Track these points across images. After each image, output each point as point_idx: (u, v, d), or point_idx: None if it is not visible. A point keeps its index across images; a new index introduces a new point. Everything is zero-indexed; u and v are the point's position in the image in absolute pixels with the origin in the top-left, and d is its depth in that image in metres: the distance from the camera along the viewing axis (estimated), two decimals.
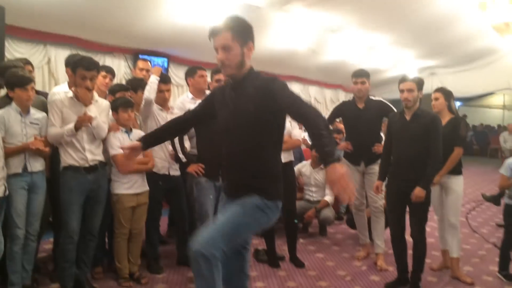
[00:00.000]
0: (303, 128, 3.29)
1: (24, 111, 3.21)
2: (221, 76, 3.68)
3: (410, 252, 3.68)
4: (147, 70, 4.79)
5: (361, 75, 4.32)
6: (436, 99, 4.04)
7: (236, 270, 2.33)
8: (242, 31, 2.13)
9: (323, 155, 1.88)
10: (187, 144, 3.94)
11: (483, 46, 11.66)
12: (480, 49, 11.93)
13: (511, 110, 17.13)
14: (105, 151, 3.53)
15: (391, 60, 11.70)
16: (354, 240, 5.03)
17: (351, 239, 5.16)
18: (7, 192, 3.04)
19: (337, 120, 5.26)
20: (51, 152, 3.36)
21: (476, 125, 18.44)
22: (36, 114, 3.31)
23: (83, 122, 3.21)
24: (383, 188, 3.89)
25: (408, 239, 3.69)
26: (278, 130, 2.23)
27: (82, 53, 5.68)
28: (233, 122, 2.18)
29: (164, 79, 4.01)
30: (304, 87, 12.12)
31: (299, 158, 5.78)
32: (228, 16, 2.16)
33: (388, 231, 4.01)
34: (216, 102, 2.32)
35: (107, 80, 4.16)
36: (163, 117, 3.95)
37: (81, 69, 3.25)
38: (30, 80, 3.23)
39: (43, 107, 3.47)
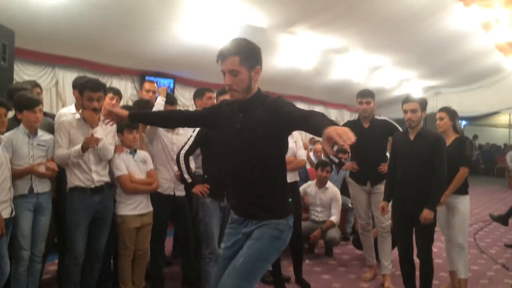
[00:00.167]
0: (308, 148, 3.30)
1: (32, 133, 3.25)
2: (226, 97, 3.72)
3: (418, 273, 3.64)
4: (154, 92, 4.84)
5: (366, 95, 4.34)
6: (441, 118, 4.04)
7: None
8: (250, 55, 2.12)
9: (318, 126, 1.76)
10: (192, 164, 3.95)
11: (488, 65, 11.71)
12: (484, 69, 11.98)
13: None
14: (111, 172, 3.55)
15: (395, 80, 11.76)
16: (361, 261, 4.98)
17: (358, 260, 5.11)
18: (13, 213, 3.05)
19: None
20: (58, 174, 3.38)
21: (483, 144, 18.35)
22: (43, 135, 3.34)
23: (90, 144, 3.24)
24: (389, 208, 3.87)
25: (416, 260, 3.65)
26: (282, 148, 2.24)
27: (90, 75, 5.77)
28: (239, 142, 2.16)
29: (171, 100, 4.07)
30: (309, 107, 12.15)
31: (305, 178, 5.76)
32: (236, 39, 2.14)
33: (395, 251, 3.97)
34: (221, 118, 2.30)
35: (114, 101, 4.20)
36: (168, 138, 3.98)
37: (87, 91, 3.31)
38: (39, 102, 3.28)
39: (50, 129, 3.51)
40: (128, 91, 7.51)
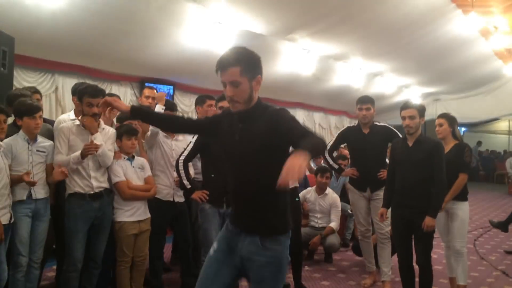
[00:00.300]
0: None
1: (31, 139, 3.25)
2: (225, 103, 3.70)
3: (417, 279, 3.63)
4: (153, 98, 4.85)
5: (366, 101, 4.35)
6: (440, 125, 4.04)
7: None
8: (250, 65, 2.05)
9: (300, 145, 1.79)
10: (191, 170, 3.95)
11: (487, 72, 11.75)
12: (484, 75, 12.02)
13: None
14: (110, 178, 3.55)
15: (395, 87, 11.79)
16: (360, 267, 4.96)
17: (357, 266, 5.09)
18: (12, 219, 3.05)
19: (342, 146, 5.27)
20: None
21: (482, 150, 18.36)
22: (43, 142, 3.35)
23: (89, 150, 3.24)
24: (388, 215, 3.86)
25: (416, 266, 3.64)
26: (282, 160, 2.13)
27: (89, 81, 5.78)
28: (238, 154, 2.11)
29: (171, 106, 4.08)
30: (309, 114, 12.19)
31: (304, 184, 5.76)
32: (236, 48, 2.08)
33: (395, 258, 3.96)
34: (220, 128, 2.24)
35: None
36: (168, 145, 3.99)
37: (87, 97, 3.31)
38: (39, 108, 3.29)
39: (49, 135, 3.52)
40: (128, 97, 7.53)
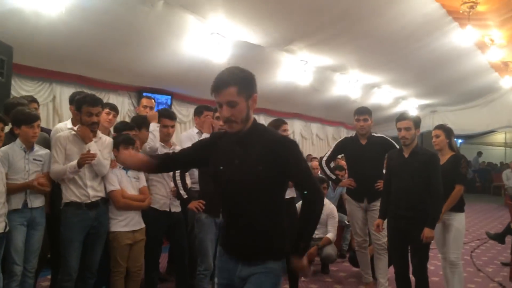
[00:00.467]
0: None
1: (28, 148, 3.26)
2: None
3: None
4: (151, 108, 4.87)
5: (364, 112, 4.37)
6: (437, 136, 4.06)
7: None
8: (246, 84, 2.02)
9: (297, 247, 2.05)
10: (188, 180, 3.95)
11: (484, 84, 11.81)
12: (480, 88, 12.08)
13: None
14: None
15: (392, 98, 11.83)
16: (357, 278, 4.94)
17: (354, 277, 5.07)
18: (7, 228, 3.04)
19: (339, 156, 5.28)
20: (52, 189, 3.37)
21: (479, 162, 18.44)
22: (39, 150, 3.34)
23: (86, 160, 3.23)
24: (385, 226, 3.86)
25: (412, 277, 3.63)
26: (283, 185, 2.14)
27: (87, 90, 5.80)
28: (239, 179, 2.03)
29: (170, 115, 4.10)
30: (306, 124, 12.21)
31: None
32: (229, 69, 2.03)
33: (391, 269, 3.95)
34: (215, 153, 2.15)
35: (111, 116, 4.22)
36: None
37: (86, 106, 3.31)
38: (37, 117, 3.30)
39: (46, 144, 3.51)
40: (125, 107, 7.53)
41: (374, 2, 6.16)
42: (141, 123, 4.19)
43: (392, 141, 4.33)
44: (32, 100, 3.91)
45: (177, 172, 3.63)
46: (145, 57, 6.52)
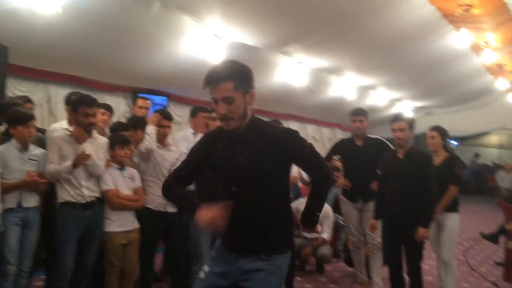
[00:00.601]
0: None
1: (24, 148, 3.26)
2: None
3: None
4: (147, 108, 4.89)
5: (359, 113, 4.40)
6: (432, 137, 4.09)
7: None
8: (243, 78, 1.91)
9: (308, 220, 2.19)
10: None
11: (478, 86, 11.88)
12: (475, 90, 12.15)
13: (508, 149, 17.23)
14: None
15: (387, 100, 11.88)
16: (352, 278, 4.96)
17: (349, 277, 5.09)
18: (2, 228, 3.04)
19: (334, 157, 5.28)
20: (47, 188, 3.37)
21: (480, 163, 18.53)
22: (34, 150, 3.34)
23: (81, 160, 3.23)
24: (378, 226, 3.89)
25: (406, 277, 3.65)
26: (288, 178, 2.11)
27: (82, 91, 5.77)
28: (246, 177, 1.96)
29: (167, 116, 4.10)
30: (302, 126, 12.22)
31: (297, 195, 5.76)
32: (225, 62, 1.94)
33: (386, 269, 3.98)
34: (215, 153, 2.05)
35: (106, 117, 4.23)
36: (160, 155, 4.00)
37: (83, 107, 3.31)
38: (32, 117, 3.30)
39: (41, 144, 3.51)
40: (121, 107, 7.50)
41: (369, 5, 6.18)
42: (137, 123, 4.20)
43: (387, 142, 4.36)
44: (27, 100, 3.91)
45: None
46: (141, 58, 6.51)
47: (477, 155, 18.35)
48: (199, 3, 5.52)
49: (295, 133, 2.05)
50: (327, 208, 5.35)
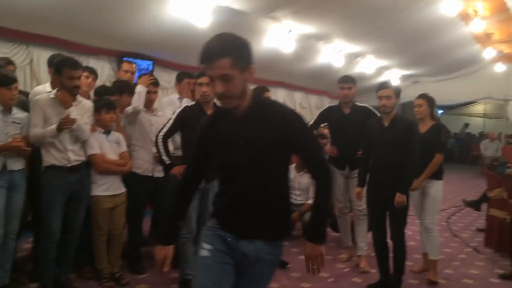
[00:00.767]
0: None
1: (6, 110, 3.19)
2: (204, 79, 3.61)
3: (392, 255, 3.73)
4: (132, 73, 4.80)
5: (348, 80, 4.38)
6: (420, 105, 4.09)
7: None
8: (242, 54, 1.77)
9: (314, 232, 1.97)
10: (170, 146, 3.93)
11: (466, 56, 11.90)
12: (462, 59, 12.17)
13: (492, 119, 17.42)
14: None
15: (375, 68, 11.85)
16: (337, 243, 5.06)
17: (334, 242, 5.19)
18: None
19: (322, 125, 5.29)
20: (32, 151, 3.32)
21: (458, 132, 18.78)
22: (18, 113, 3.28)
23: (65, 124, 3.18)
24: (364, 193, 3.94)
25: (390, 242, 3.73)
26: (289, 160, 2.01)
27: (66, 54, 5.64)
28: (246, 159, 1.85)
29: (154, 82, 4.02)
30: (290, 93, 12.17)
31: None
32: (221, 36, 1.76)
33: (370, 234, 4.06)
34: (216, 137, 1.93)
35: (90, 80, 4.15)
36: (147, 119, 3.97)
37: (67, 69, 3.23)
38: (15, 79, 3.22)
39: (24, 106, 3.44)
40: (106, 71, 7.36)
41: None
42: (122, 88, 4.13)
43: (375, 111, 4.36)
44: (9, 62, 3.79)
45: (159, 138, 3.60)
46: (125, 21, 6.35)
47: (466, 125, 18.57)
48: None
49: (300, 117, 1.93)
50: None
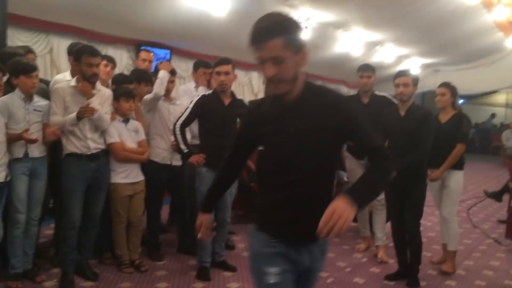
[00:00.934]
0: None
1: (28, 98, 3.23)
2: (222, 68, 3.58)
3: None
4: (150, 61, 4.81)
5: (367, 69, 4.33)
6: (443, 94, 3.99)
7: None
8: (294, 34, 1.63)
9: (358, 189, 1.64)
10: (188, 135, 3.94)
11: (488, 44, 11.62)
12: (484, 47, 11.89)
13: None
14: None
15: (395, 57, 11.68)
16: (355, 232, 5.02)
17: (352, 231, 5.15)
18: (8, 177, 3.06)
19: None
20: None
21: (479, 123, 18.45)
22: (39, 101, 3.32)
23: (85, 113, 3.20)
24: None
25: None
26: (341, 147, 1.88)
27: (85, 42, 5.68)
28: (297, 148, 1.69)
29: (171, 70, 4.03)
30: None
31: None
32: (272, 15, 1.63)
33: (388, 224, 4.02)
34: (264, 124, 1.77)
35: (108, 68, 4.17)
36: (166, 108, 3.99)
37: (86, 56, 3.25)
38: (35, 67, 3.25)
39: (44, 94, 3.48)
40: (124, 60, 7.41)
41: None
42: (140, 77, 4.14)
43: (394, 100, 4.29)
44: (29, 50, 3.83)
45: (177, 127, 3.61)
46: (144, 9, 6.37)
47: (493, 115, 18.23)
48: None
49: (355, 103, 1.79)
50: None
